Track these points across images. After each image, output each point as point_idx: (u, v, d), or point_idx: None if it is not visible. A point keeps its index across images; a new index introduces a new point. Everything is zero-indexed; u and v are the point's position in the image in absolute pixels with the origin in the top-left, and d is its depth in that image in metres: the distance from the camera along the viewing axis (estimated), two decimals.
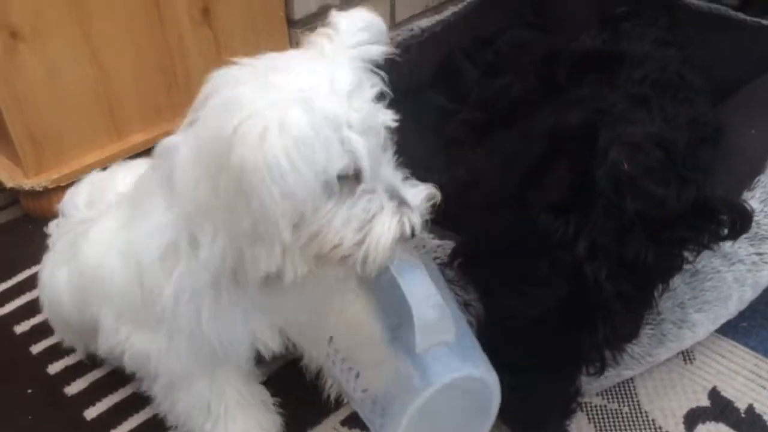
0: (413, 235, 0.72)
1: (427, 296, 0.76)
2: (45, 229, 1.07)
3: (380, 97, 0.74)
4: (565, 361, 0.84)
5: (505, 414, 0.90)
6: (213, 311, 0.79)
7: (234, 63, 0.73)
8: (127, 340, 0.87)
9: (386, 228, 0.71)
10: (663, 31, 1.40)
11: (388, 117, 0.72)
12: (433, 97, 1.58)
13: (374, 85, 0.73)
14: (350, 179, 0.69)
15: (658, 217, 0.78)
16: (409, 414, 0.76)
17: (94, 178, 1.06)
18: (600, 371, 0.84)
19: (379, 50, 0.75)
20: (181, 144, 0.73)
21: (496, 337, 0.88)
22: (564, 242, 0.76)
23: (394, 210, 0.71)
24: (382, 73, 0.75)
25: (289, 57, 0.74)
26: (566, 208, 0.76)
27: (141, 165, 1.00)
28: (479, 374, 0.79)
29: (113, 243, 0.86)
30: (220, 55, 1.54)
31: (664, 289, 0.85)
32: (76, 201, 1.03)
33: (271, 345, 0.87)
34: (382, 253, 0.71)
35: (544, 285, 0.79)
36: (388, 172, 0.73)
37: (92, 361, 1.09)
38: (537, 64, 1.36)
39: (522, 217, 0.79)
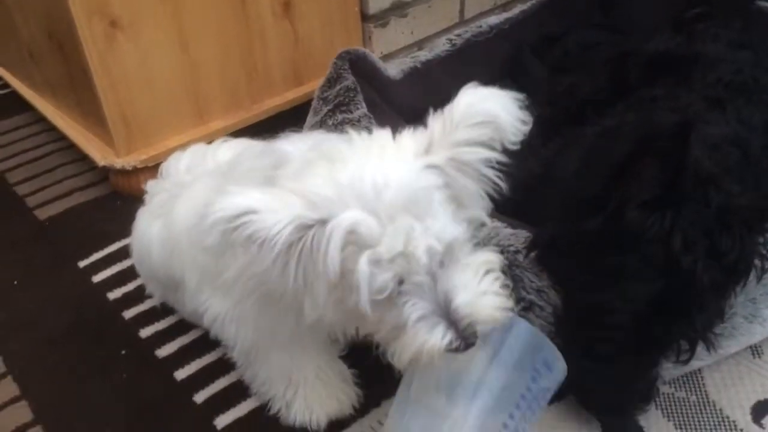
0: (456, 349, 0.70)
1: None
2: (133, 205, 1.15)
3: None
4: (650, 349, 0.88)
5: (587, 401, 0.95)
6: (261, 302, 0.85)
7: (346, 133, 0.76)
8: (206, 302, 0.93)
9: (408, 343, 0.70)
10: (737, 33, 1.41)
11: (423, 246, 0.67)
12: None
13: (442, 202, 0.70)
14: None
15: (747, 208, 0.81)
16: None
17: (198, 147, 1.13)
18: (690, 359, 0.88)
19: (486, 154, 0.71)
20: (292, 155, 0.78)
21: (577, 327, 0.92)
22: (658, 237, 0.79)
23: (427, 328, 0.69)
24: (497, 177, 0.72)
25: (378, 146, 0.73)
26: (658, 203, 0.79)
27: (242, 142, 1.07)
28: None
29: (200, 208, 0.92)
30: (298, 48, 1.62)
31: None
32: (178, 165, 1.10)
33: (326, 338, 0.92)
34: (401, 361, 0.72)
35: (636, 279, 0.82)
36: (449, 283, 0.70)
37: (165, 309, 1.18)
38: (609, 64, 1.38)
39: (611, 214, 0.83)
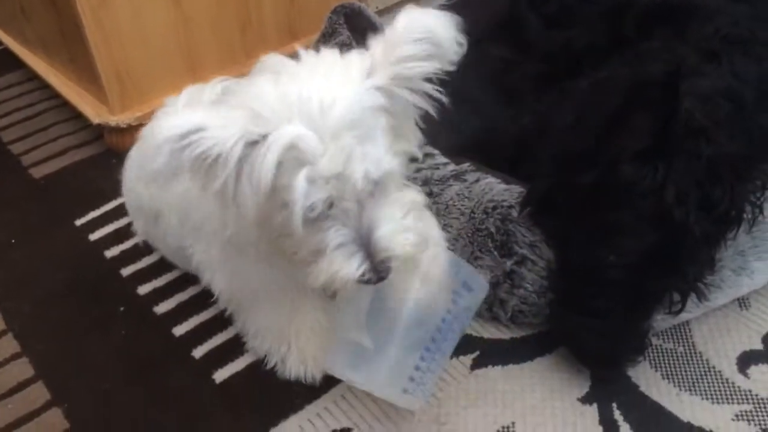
0: (367, 282, 0.72)
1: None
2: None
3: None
4: (643, 302, 0.90)
5: (580, 353, 0.97)
6: (225, 248, 0.86)
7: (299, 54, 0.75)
8: (191, 247, 0.94)
9: (324, 269, 0.71)
10: None
11: (362, 170, 0.68)
12: (494, 48, 1.61)
13: (380, 125, 0.71)
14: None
15: (737, 158, 0.81)
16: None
17: (196, 87, 1.11)
18: (681, 310, 0.90)
19: (428, 68, 0.71)
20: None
21: (570, 283, 0.94)
22: (651, 190, 0.80)
23: (344, 256, 0.71)
24: (438, 91, 0.73)
25: (327, 63, 0.73)
26: (650, 155, 0.79)
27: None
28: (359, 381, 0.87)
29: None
30: (293, 1, 1.59)
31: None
32: (179, 98, 1.08)
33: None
34: (317, 284, 0.73)
35: (630, 234, 0.83)
36: (371, 215, 0.71)
37: (163, 266, 1.19)
38: (606, 17, 1.37)
39: (605, 168, 0.83)
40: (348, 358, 0.87)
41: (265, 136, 0.67)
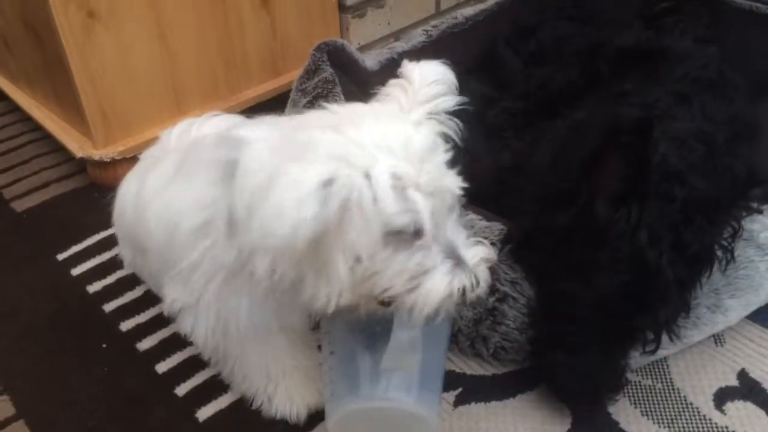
0: (464, 294, 0.75)
1: (408, 330, 0.85)
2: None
3: (453, 161, 0.78)
4: (619, 340, 0.91)
5: (559, 390, 0.98)
6: (220, 288, 0.85)
7: (324, 108, 0.78)
8: (166, 286, 0.92)
9: (435, 286, 0.74)
10: (704, 28, 1.44)
11: (455, 183, 0.75)
12: (475, 85, 1.64)
13: (446, 149, 0.77)
14: (410, 234, 0.72)
15: (708, 200, 0.85)
16: (337, 416, 0.86)
17: (190, 120, 1.10)
18: (656, 349, 0.92)
19: (452, 102, 0.80)
20: (255, 143, 0.75)
21: (550, 320, 0.96)
22: (624, 232, 0.82)
23: (447, 270, 0.75)
24: (457, 124, 0.80)
25: (370, 110, 0.78)
26: (624, 198, 0.82)
27: (233, 118, 1.05)
28: (414, 410, 0.85)
29: (160, 194, 0.91)
30: (276, 38, 1.62)
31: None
32: (170, 134, 1.07)
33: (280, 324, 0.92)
34: (428, 308, 0.75)
35: (605, 273, 0.85)
36: (451, 232, 0.76)
37: (146, 301, 1.19)
38: (580, 57, 1.41)
39: (581, 208, 0.86)
40: (358, 391, 0.85)
41: (368, 176, 0.69)
